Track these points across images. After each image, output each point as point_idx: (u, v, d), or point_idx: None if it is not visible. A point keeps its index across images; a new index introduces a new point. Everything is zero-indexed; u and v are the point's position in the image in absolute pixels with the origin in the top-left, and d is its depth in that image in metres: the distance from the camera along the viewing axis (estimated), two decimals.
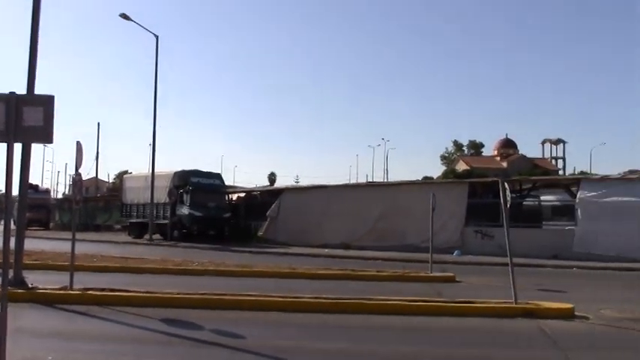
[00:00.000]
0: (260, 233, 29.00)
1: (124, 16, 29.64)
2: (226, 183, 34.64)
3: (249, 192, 36.48)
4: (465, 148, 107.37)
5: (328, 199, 27.18)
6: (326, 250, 23.92)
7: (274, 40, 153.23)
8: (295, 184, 61.22)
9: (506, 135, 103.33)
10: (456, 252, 22.32)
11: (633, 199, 21.05)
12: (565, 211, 24.34)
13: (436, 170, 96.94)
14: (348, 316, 9.48)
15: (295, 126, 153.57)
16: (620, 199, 21.16)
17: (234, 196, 34.98)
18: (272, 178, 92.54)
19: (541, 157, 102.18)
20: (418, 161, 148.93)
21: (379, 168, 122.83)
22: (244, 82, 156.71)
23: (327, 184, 31.02)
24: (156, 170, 31.09)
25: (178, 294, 10.32)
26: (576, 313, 9.72)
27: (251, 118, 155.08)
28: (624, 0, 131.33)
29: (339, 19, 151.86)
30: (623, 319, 9.55)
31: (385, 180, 70.67)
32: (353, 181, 75.78)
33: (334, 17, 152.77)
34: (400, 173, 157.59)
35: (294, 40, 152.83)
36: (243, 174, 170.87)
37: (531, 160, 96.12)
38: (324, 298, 10.20)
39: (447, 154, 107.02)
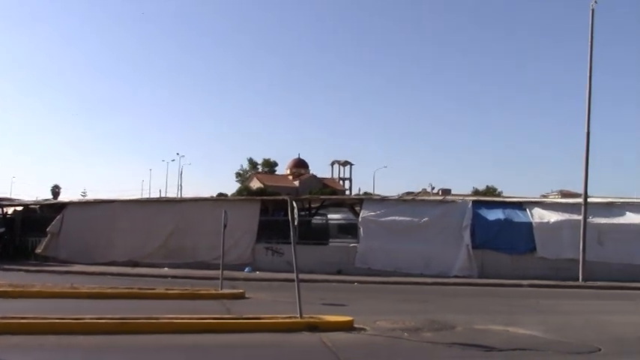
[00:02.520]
0: (39, 250, 26.77)
1: None
2: (1, 195, 31.64)
3: (27, 205, 33.52)
4: (259, 166, 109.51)
5: (116, 215, 25.95)
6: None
7: (54, 46, 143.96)
8: (82, 198, 57.59)
9: (299, 155, 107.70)
10: (246, 268, 22.56)
11: (408, 218, 23.03)
12: (350, 229, 25.73)
13: (231, 187, 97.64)
14: (135, 337, 9.15)
15: (83, 137, 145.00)
16: (397, 218, 23.03)
17: (10, 210, 31.95)
18: (56, 191, 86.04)
19: (330, 177, 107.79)
20: (214, 178, 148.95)
21: (173, 183, 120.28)
22: (27, 89, 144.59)
23: (115, 198, 29.65)
24: None
25: None
26: (355, 325, 10.37)
27: (32, 126, 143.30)
28: (411, 29, 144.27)
29: (125, 25, 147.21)
30: (396, 329, 10.39)
31: (179, 196, 69.39)
32: (145, 196, 73.19)
33: (118, 22, 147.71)
34: (196, 189, 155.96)
35: (73, 44, 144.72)
36: (23, 186, 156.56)
37: (321, 179, 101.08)
38: (109, 319, 9.72)
39: (241, 172, 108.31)
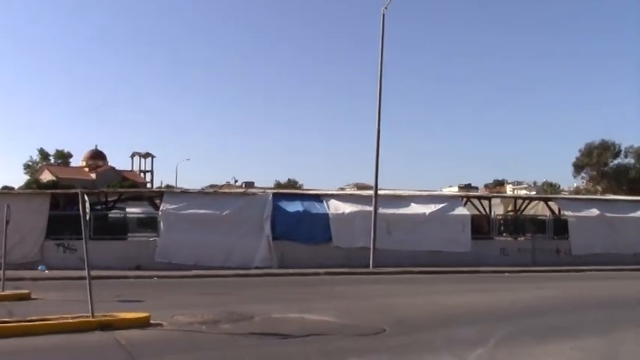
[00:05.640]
0: None
1: None
2: None
3: None
4: (51, 158, 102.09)
5: None
6: None
7: None
8: None
9: (96, 146, 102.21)
10: (40, 267, 20.91)
11: (209, 211, 22.89)
12: (150, 223, 24.95)
13: (19, 180, 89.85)
14: None
15: None
16: (198, 211, 22.78)
17: None
18: None
19: (130, 169, 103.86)
20: None
21: None
22: None
23: None
24: None
25: None
26: (152, 321, 10.12)
27: None
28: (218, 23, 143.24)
29: None
30: (194, 323, 10.33)
31: None
32: None
33: None
34: None
35: None
36: None
37: (120, 172, 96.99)
38: None
39: (31, 163, 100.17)
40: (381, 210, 23.67)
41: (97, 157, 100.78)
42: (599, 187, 63.70)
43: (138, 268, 21.25)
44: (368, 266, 22.50)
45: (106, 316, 9.95)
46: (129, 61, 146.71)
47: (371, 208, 23.31)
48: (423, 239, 24.31)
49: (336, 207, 24.29)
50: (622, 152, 64.99)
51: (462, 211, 25.86)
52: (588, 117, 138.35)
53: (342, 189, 53.76)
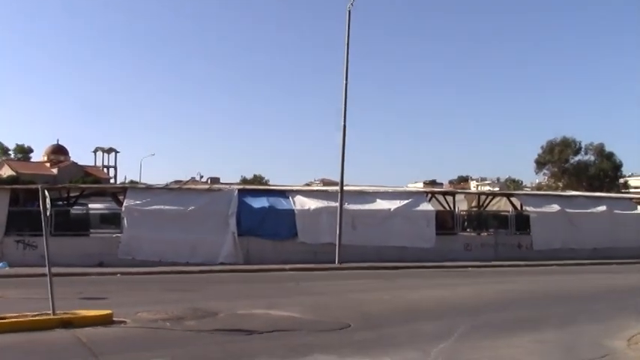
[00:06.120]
0: None
1: None
2: None
3: None
4: (11, 152, 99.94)
5: None
6: None
7: None
8: None
9: (58, 141, 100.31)
10: (1, 264, 20.47)
11: (174, 207, 22.65)
12: (113, 219, 24.62)
13: None
14: None
15: None
16: (162, 207, 22.52)
17: None
18: None
19: (93, 165, 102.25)
20: None
21: None
22: None
23: None
24: None
25: None
26: (115, 319, 10.01)
27: None
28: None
29: None
30: (158, 320, 10.23)
31: None
32: None
33: None
34: None
35: None
36: None
37: (83, 167, 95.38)
38: None
39: None
40: (346, 206, 23.72)
41: (58, 152, 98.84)
42: (560, 184, 64.85)
43: (101, 264, 20.94)
44: (333, 262, 22.54)
45: (67, 313, 9.79)
46: (91, 55, 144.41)
47: (336, 204, 23.34)
48: (388, 235, 24.47)
49: (301, 203, 24.28)
50: (582, 149, 66.30)
51: (426, 206, 26.10)
52: (550, 114, 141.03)
53: (309, 184, 53.72)
